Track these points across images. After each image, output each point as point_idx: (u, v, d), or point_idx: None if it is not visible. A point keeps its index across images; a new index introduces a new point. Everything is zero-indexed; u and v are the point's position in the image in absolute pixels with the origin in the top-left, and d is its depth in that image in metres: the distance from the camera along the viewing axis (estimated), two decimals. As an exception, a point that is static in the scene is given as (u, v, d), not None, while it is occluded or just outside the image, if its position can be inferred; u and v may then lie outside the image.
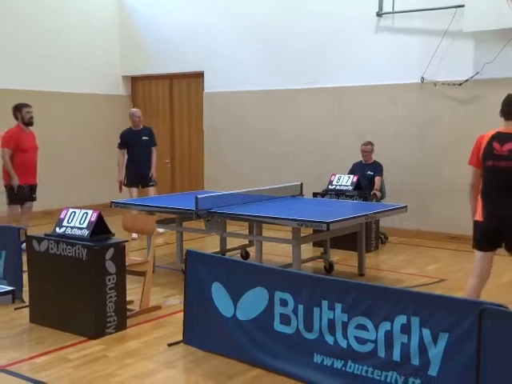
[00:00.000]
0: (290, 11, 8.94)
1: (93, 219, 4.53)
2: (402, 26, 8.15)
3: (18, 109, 7.23)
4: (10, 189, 7.20)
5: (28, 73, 9.47)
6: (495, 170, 4.11)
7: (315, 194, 7.48)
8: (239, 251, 6.96)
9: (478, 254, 4.31)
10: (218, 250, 6.75)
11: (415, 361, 3.23)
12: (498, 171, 4.10)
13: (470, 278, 4.39)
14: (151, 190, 8.28)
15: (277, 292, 3.79)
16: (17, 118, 7.21)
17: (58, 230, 4.66)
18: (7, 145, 7.10)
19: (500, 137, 4.14)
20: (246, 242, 6.87)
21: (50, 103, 9.68)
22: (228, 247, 6.85)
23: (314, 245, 7.30)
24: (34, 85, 9.45)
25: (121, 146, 8.30)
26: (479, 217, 4.24)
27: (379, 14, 8.25)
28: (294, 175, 8.19)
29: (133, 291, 5.05)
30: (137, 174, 8.20)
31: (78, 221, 4.59)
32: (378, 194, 7.52)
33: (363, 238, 6.33)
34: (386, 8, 8.19)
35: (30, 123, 7.24)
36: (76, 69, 10.09)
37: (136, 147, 8.19)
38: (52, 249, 4.54)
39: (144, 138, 8.25)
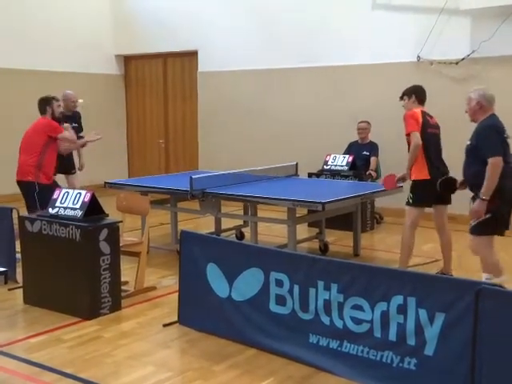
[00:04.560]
0: (285, -12, 8.82)
1: (86, 199, 4.48)
2: (398, 3, 8.04)
3: (48, 102, 6.06)
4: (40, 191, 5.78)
5: (19, 52, 9.32)
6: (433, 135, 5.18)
7: (310, 175, 7.44)
8: (234, 232, 6.93)
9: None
10: (213, 230, 6.72)
11: (411, 341, 3.22)
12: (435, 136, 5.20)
13: (409, 230, 5.21)
14: (74, 178, 7.24)
15: (272, 272, 3.76)
16: (44, 112, 6.05)
17: (50, 210, 4.61)
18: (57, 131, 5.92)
19: (426, 113, 5.25)
20: (241, 222, 6.84)
21: (42, 82, 9.52)
22: (223, 228, 6.83)
23: (309, 225, 7.27)
24: (26, 64, 9.32)
25: None
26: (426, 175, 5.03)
27: (375, -9, 8.16)
28: (289, 155, 8.13)
29: (127, 272, 5.02)
30: (62, 162, 6.78)
31: (71, 201, 4.54)
32: (374, 174, 7.49)
33: (358, 218, 6.31)
34: (383, -15, 8.09)
35: (59, 119, 6.19)
36: (68, 48, 9.94)
37: None
38: (45, 230, 4.50)
39: (74, 124, 7.15)
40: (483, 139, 4.31)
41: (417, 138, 5.03)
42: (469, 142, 4.47)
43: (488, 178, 4.21)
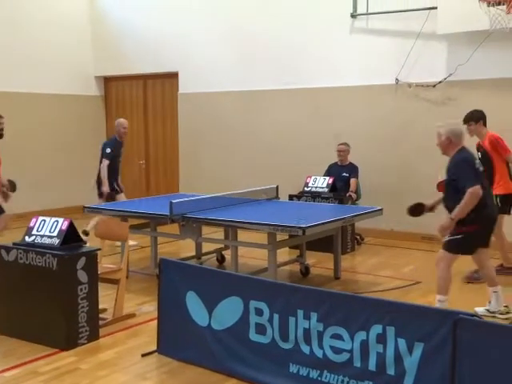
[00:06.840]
0: (265, 12, 8.90)
1: (64, 227, 4.43)
2: (377, 27, 8.16)
3: None
4: None
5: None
6: None
7: (291, 197, 7.45)
8: (215, 255, 6.90)
9: None
10: (194, 253, 6.68)
11: (391, 370, 3.21)
12: None
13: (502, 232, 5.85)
14: (123, 196, 7.87)
15: (252, 301, 3.74)
16: None
17: (27, 238, 4.54)
18: None
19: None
20: (222, 245, 6.81)
21: (19, 104, 9.49)
22: (204, 250, 6.79)
23: (290, 247, 7.26)
24: (4, 85, 9.26)
25: (110, 156, 7.61)
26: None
27: (353, 15, 8.26)
28: (270, 176, 8.16)
29: (106, 298, 4.95)
30: (113, 187, 7.74)
31: (48, 229, 4.48)
32: (354, 195, 7.52)
33: (339, 241, 6.32)
34: (361, 9, 8.19)
35: (1, 136, 6.34)
36: (47, 69, 9.90)
37: (117, 160, 7.77)
38: (21, 258, 4.42)
39: (122, 149, 7.88)
40: (460, 173, 4.56)
41: None
42: (445, 177, 4.71)
43: (464, 203, 4.49)
